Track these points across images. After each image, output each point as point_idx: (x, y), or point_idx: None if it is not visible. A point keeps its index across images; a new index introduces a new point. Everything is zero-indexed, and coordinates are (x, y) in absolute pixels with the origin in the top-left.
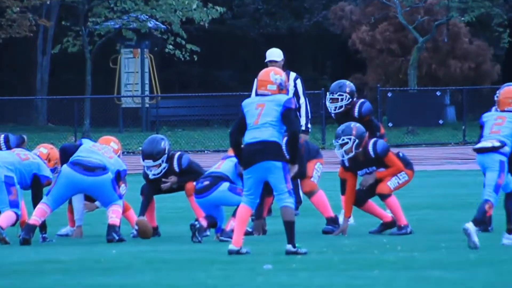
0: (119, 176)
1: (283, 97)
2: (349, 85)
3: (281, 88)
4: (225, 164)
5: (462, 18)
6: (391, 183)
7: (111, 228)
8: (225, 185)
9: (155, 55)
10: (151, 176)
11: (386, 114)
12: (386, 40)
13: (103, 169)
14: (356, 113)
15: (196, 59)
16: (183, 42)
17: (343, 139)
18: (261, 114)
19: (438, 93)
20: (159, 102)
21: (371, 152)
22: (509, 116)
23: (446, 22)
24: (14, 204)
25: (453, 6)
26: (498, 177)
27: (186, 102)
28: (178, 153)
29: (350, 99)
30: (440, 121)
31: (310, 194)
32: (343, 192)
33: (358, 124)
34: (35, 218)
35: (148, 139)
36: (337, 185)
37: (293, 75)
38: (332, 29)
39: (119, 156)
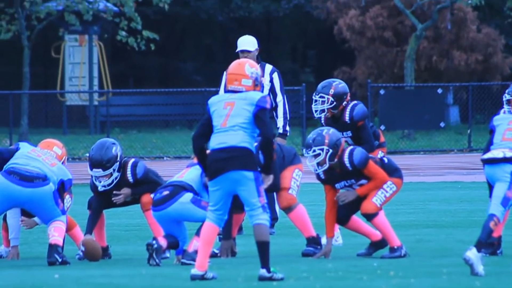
0: (63, 187)
1: (256, 95)
2: (336, 86)
3: (257, 84)
4: (190, 172)
5: (469, 1)
6: (377, 199)
7: (53, 248)
8: (188, 196)
9: (106, 44)
10: (100, 188)
11: (377, 115)
12: (379, 27)
13: (43, 179)
14: (347, 118)
15: (153, 48)
16: (139, 28)
17: (315, 150)
18: (230, 114)
19: (439, 91)
20: (110, 99)
21: (347, 164)
22: None
23: (450, 6)
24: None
25: None
26: (508, 189)
27: (142, 100)
28: (132, 160)
29: (334, 103)
30: (442, 124)
31: (288, 209)
32: None
33: (332, 131)
34: None
35: (97, 144)
36: (320, 199)
37: (269, 68)
38: (315, 14)
39: (63, 163)
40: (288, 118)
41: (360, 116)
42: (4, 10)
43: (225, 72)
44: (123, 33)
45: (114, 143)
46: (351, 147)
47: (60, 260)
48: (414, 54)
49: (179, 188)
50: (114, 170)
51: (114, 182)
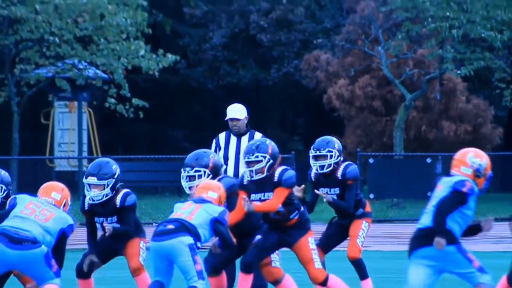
0: (64, 236)
1: (458, 180)
2: (336, 141)
3: (478, 175)
4: (199, 214)
5: (458, 72)
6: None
7: None
8: (188, 239)
9: (95, 110)
10: (88, 200)
11: (367, 183)
12: (368, 97)
13: (33, 242)
14: (339, 174)
15: (142, 115)
16: (128, 95)
17: (257, 156)
18: (434, 195)
19: (428, 160)
20: None
21: (276, 179)
22: None
23: (439, 77)
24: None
25: (447, 57)
26: None
27: (131, 166)
28: (127, 190)
29: (339, 157)
30: (430, 194)
31: (275, 282)
32: None
33: (273, 143)
34: None
35: (97, 160)
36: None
37: (258, 135)
38: (305, 82)
39: (64, 205)
40: None
41: (352, 176)
42: None
43: (214, 140)
44: (112, 100)
45: (115, 163)
46: (284, 167)
47: None
48: (403, 124)
49: (185, 228)
50: (107, 185)
51: (103, 199)
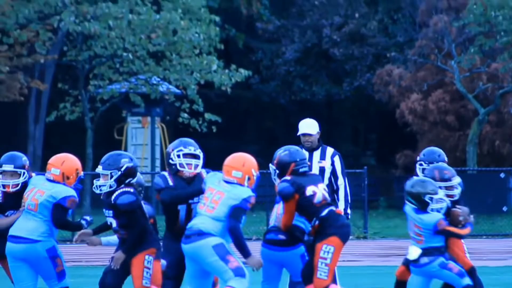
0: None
1: None
2: (442, 152)
3: None
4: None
5: None
6: (320, 272)
7: None
8: (301, 250)
9: (168, 125)
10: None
11: None
12: (441, 111)
13: (198, 234)
14: None
15: (215, 130)
16: (201, 110)
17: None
18: None
19: (502, 175)
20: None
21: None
22: None
23: None
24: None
25: None
26: None
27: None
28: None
29: None
30: (504, 208)
31: None
32: None
33: (285, 153)
34: None
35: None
36: (381, 282)
37: (330, 151)
38: (377, 97)
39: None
40: (349, 201)
41: None
42: (69, 92)
43: None
44: (185, 115)
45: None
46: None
47: None
48: (476, 138)
49: (294, 239)
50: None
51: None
